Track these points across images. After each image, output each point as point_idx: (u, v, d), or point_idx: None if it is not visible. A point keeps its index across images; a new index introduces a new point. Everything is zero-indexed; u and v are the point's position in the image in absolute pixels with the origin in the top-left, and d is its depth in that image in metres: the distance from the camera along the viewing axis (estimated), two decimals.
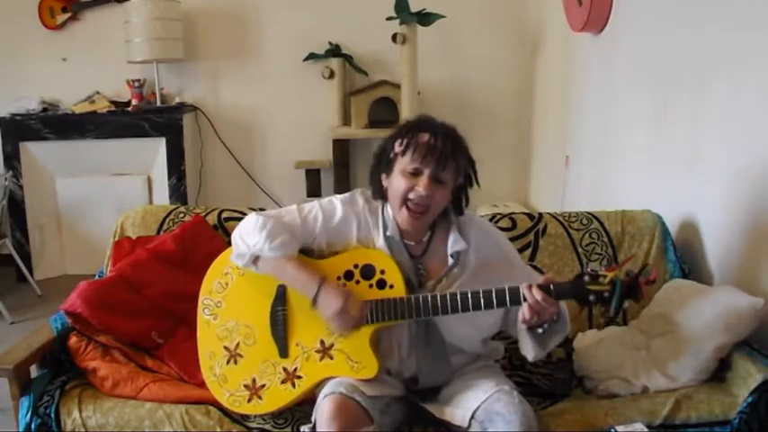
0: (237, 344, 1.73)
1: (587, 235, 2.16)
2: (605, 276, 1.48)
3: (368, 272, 1.66)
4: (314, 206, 1.73)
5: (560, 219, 2.19)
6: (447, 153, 1.60)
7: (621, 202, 2.40)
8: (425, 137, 1.61)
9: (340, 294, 1.60)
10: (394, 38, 3.87)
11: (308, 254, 1.72)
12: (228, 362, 1.73)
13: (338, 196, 1.76)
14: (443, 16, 3.86)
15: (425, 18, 3.85)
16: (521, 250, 2.12)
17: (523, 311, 1.52)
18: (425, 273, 1.70)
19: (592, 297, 1.48)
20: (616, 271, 1.48)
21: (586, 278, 1.50)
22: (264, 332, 1.71)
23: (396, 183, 1.64)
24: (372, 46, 4.27)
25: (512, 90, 4.37)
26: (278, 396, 1.68)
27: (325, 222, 1.70)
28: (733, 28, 1.98)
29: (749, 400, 1.62)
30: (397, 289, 1.63)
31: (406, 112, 3.97)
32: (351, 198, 1.75)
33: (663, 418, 1.67)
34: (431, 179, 1.60)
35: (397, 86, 4.03)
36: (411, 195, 1.61)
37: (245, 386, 1.70)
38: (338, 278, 1.67)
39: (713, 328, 1.77)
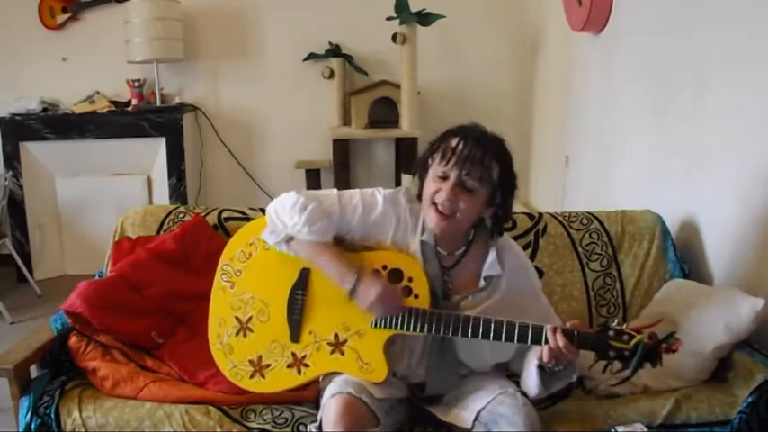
0: (250, 317, 1.72)
1: (587, 235, 2.16)
2: (631, 336, 1.46)
3: (396, 276, 1.64)
4: (354, 195, 1.70)
5: (560, 219, 2.19)
6: (472, 158, 1.56)
7: (621, 202, 2.40)
8: (454, 141, 1.60)
9: (378, 283, 1.58)
10: (394, 38, 3.87)
11: (339, 244, 1.70)
12: (238, 333, 1.72)
13: (381, 190, 1.72)
14: (443, 16, 3.86)
15: (425, 18, 3.85)
16: None
17: (543, 352, 1.50)
18: (452, 286, 1.67)
19: (612, 353, 1.47)
20: (642, 333, 1.46)
21: (611, 333, 1.48)
22: (279, 312, 1.70)
23: (427, 186, 1.63)
24: (372, 46, 4.27)
25: (512, 90, 4.38)
26: (281, 379, 1.67)
27: (364, 215, 1.67)
28: (733, 28, 1.98)
29: (749, 400, 1.62)
30: (422, 300, 1.61)
31: (406, 112, 3.97)
32: (394, 196, 1.71)
33: (663, 418, 1.68)
34: (455, 184, 1.57)
35: (397, 86, 4.03)
36: (436, 199, 1.59)
37: (250, 361, 1.70)
38: (372, 269, 1.64)
39: (713, 328, 1.77)
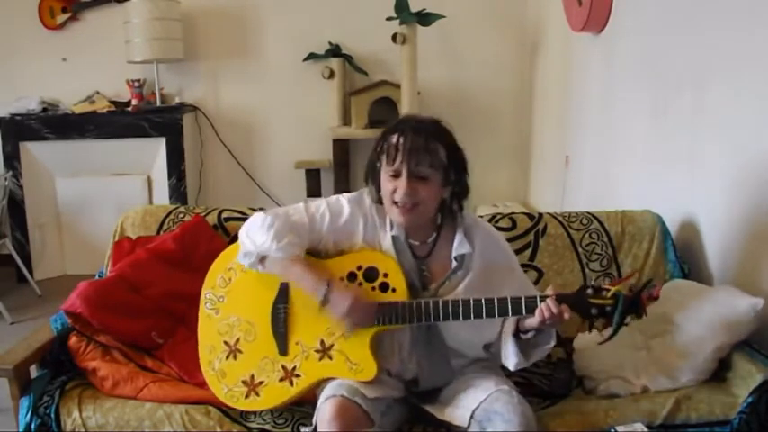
0: (238, 339, 1.73)
1: (587, 235, 2.16)
2: (608, 290, 1.48)
3: (371, 274, 1.65)
4: (321, 204, 1.73)
5: (560, 219, 2.19)
6: (416, 148, 1.59)
7: (621, 202, 2.40)
8: (394, 138, 1.62)
9: (348, 294, 1.60)
10: (394, 38, 3.87)
11: (315, 254, 1.71)
12: (228, 357, 1.73)
13: (345, 195, 1.75)
14: (443, 16, 3.86)
15: (425, 18, 3.85)
16: (521, 250, 2.13)
17: (535, 319, 1.52)
18: (429, 275, 1.69)
19: (594, 310, 1.48)
20: (619, 285, 1.48)
21: (589, 291, 1.50)
22: (265, 329, 1.71)
23: (384, 187, 1.65)
24: (372, 46, 4.27)
25: (512, 90, 4.37)
26: (275, 393, 1.68)
27: (333, 222, 1.70)
28: (733, 28, 1.98)
29: (749, 400, 1.63)
30: (400, 292, 1.63)
31: (406, 112, 3.97)
32: (358, 197, 1.74)
33: (663, 418, 1.68)
34: (408, 178, 1.59)
35: (397, 86, 4.03)
36: (396, 197, 1.61)
37: (243, 382, 1.70)
38: (341, 279, 1.67)
39: (713, 328, 1.77)
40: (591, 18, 2.89)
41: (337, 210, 1.71)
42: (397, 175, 1.61)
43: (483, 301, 1.56)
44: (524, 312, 1.54)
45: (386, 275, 1.64)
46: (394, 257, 1.66)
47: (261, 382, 1.69)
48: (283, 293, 1.71)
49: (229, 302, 1.77)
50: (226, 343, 1.74)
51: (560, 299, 1.50)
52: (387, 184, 1.63)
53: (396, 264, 1.65)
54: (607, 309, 1.48)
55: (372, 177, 1.69)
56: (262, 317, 1.72)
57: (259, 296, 1.73)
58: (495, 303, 1.55)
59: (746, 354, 1.76)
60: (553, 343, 1.62)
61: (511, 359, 1.61)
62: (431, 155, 1.60)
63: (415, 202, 1.60)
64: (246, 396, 1.69)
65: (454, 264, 1.67)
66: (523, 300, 1.54)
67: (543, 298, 1.52)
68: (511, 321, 1.61)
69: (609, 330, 1.50)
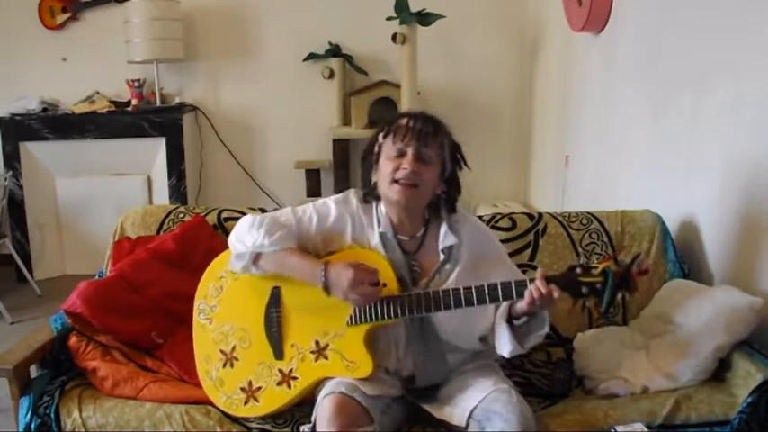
0: (233, 347, 1.74)
1: (587, 235, 2.16)
2: (597, 268, 1.47)
3: None
4: (308, 208, 1.76)
5: (560, 219, 2.19)
6: (427, 131, 1.64)
7: (621, 202, 2.40)
8: (404, 120, 1.67)
9: (348, 266, 1.59)
10: (394, 38, 3.87)
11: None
12: (225, 365, 1.74)
13: (332, 197, 1.78)
14: (443, 16, 3.86)
15: (425, 18, 3.86)
16: (521, 250, 2.13)
17: (524, 302, 1.52)
18: (419, 270, 1.71)
19: (584, 289, 1.48)
20: (608, 262, 1.47)
21: (578, 270, 1.50)
22: (259, 334, 1.71)
23: (383, 168, 1.66)
24: (372, 46, 4.27)
25: (511, 90, 4.38)
26: (274, 398, 1.68)
27: (320, 223, 1.72)
28: (733, 28, 1.98)
29: (749, 400, 1.62)
30: (390, 287, 1.63)
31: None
32: (344, 198, 1.77)
33: (663, 418, 1.67)
34: (414, 156, 1.62)
35: (397, 86, 4.03)
36: (398, 175, 1.63)
37: (242, 389, 1.70)
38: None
39: (713, 328, 1.77)
40: (591, 18, 2.89)
41: (324, 212, 1.73)
42: (400, 155, 1.63)
43: (473, 287, 1.56)
44: (515, 296, 1.54)
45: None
46: (383, 254, 1.67)
47: (259, 388, 1.69)
48: (275, 297, 1.71)
49: (222, 311, 1.77)
50: (222, 351, 1.75)
51: (549, 280, 1.50)
52: (388, 164, 1.65)
53: (385, 260, 1.66)
54: (597, 286, 1.47)
55: (369, 164, 1.71)
56: (255, 323, 1.72)
57: (251, 302, 1.73)
58: (486, 289, 1.55)
59: (746, 354, 1.76)
60: (547, 329, 1.62)
61: (506, 346, 1.60)
62: (437, 142, 1.65)
63: (416, 182, 1.62)
64: (246, 402, 1.70)
65: (442, 256, 1.69)
66: (513, 284, 1.54)
67: (532, 280, 1.52)
68: (503, 309, 1.61)
69: (601, 308, 1.49)
